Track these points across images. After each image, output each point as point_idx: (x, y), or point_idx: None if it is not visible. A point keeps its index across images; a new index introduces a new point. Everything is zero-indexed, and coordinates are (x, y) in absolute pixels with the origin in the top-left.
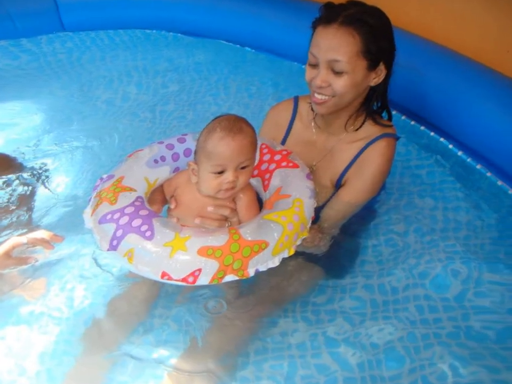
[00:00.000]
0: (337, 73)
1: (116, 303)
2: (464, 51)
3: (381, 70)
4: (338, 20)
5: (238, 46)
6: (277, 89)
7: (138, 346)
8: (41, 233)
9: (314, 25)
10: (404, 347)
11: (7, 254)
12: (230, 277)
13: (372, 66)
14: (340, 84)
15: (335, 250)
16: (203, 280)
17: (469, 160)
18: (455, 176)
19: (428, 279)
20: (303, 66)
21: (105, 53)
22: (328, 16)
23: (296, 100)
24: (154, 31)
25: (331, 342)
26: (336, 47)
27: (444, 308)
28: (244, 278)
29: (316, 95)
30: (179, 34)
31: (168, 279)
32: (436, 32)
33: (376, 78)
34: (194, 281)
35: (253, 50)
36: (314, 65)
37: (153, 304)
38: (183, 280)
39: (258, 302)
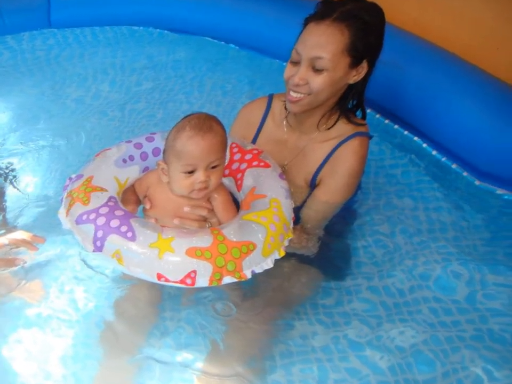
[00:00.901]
0: (317, 71)
1: (121, 306)
2: (453, 48)
3: (363, 68)
4: (332, 16)
5: (223, 42)
6: (252, 87)
7: (160, 349)
8: (21, 234)
9: (307, 22)
10: (431, 350)
11: None
12: (228, 279)
13: (355, 63)
14: (318, 81)
15: (326, 252)
16: (202, 282)
17: (443, 159)
18: (431, 176)
19: (430, 281)
20: (284, 64)
21: (85, 50)
22: (323, 12)
23: (270, 98)
24: (141, 27)
25: (355, 345)
26: (323, 44)
27: (458, 310)
28: (242, 279)
29: (292, 93)
30: (165, 31)
31: (165, 281)
32: (432, 30)
33: (356, 76)
34: (193, 283)
35: (237, 47)
36: (296, 63)
37: (159, 306)
38: (181, 282)
39: (266, 304)
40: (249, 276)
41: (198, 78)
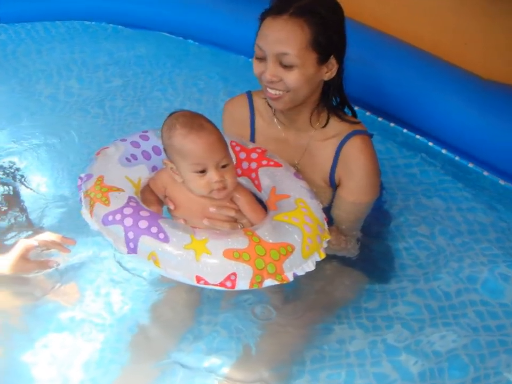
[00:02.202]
0: (287, 67)
1: (158, 309)
2: (420, 44)
3: (332, 64)
4: (289, 11)
5: (181, 38)
6: (226, 84)
7: (189, 354)
8: (50, 236)
9: (263, 16)
10: (468, 355)
11: (24, 257)
12: (269, 282)
13: (322, 59)
14: (291, 78)
15: (367, 254)
16: (242, 284)
17: (457, 158)
18: (452, 175)
19: (478, 284)
20: (250, 60)
21: (41, 46)
22: (279, 7)
23: (249, 96)
24: (93, 22)
25: (392, 350)
26: (284, 39)
27: (505, 314)
28: (284, 282)
29: (269, 90)
30: (119, 26)
31: (205, 284)
32: (392, 24)
33: (329, 72)
34: (233, 286)
35: (196, 43)
36: (261, 59)
37: (197, 310)
38: (221, 284)
39: (307, 307)
40: (291, 278)
41: (166, 75)
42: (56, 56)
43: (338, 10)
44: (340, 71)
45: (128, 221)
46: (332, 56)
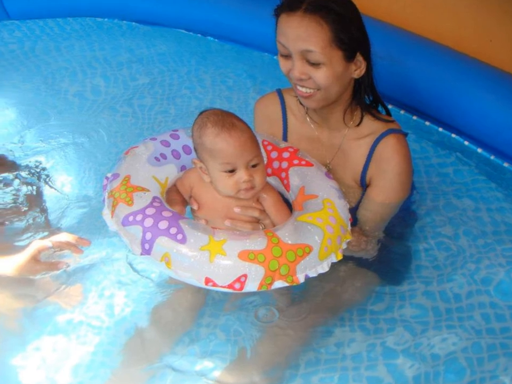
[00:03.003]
0: (314, 65)
1: (159, 312)
2: (443, 41)
3: (360, 62)
4: (302, 7)
5: (200, 35)
6: (255, 82)
7: (182, 357)
8: (65, 236)
9: (277, 13)
10: (467, 358)
11: (34, 259)
12: (279, 283)
13: (349, 57)
14: (320, 76)
15: (386, 255)
16: (251, 286)
17: (492, 157)
18: (486, 175)
19: (491, 286)
20: (275, 57)
21: (59, 43)
22: (291, 3)
23: (280, 94)
24: (106, 19)
25: (389, 353)
26: (305, 36)
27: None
28: (294, 284)
29: (299, 88)
30: (133, 23)
31: (213, 286)
32: (409, 20)
33: (358, 70)
34: (241, 288)
35: (217, 40)
36: (287, 56)
37: (199, 312)
38: (229, 286)
39: (312, 310)
40: (302, 280)
41: (192, 72)
42: (76, 53)
43: (351, 6)
44: (369, 69)
45: (149, 222)
46: (358, 53)
